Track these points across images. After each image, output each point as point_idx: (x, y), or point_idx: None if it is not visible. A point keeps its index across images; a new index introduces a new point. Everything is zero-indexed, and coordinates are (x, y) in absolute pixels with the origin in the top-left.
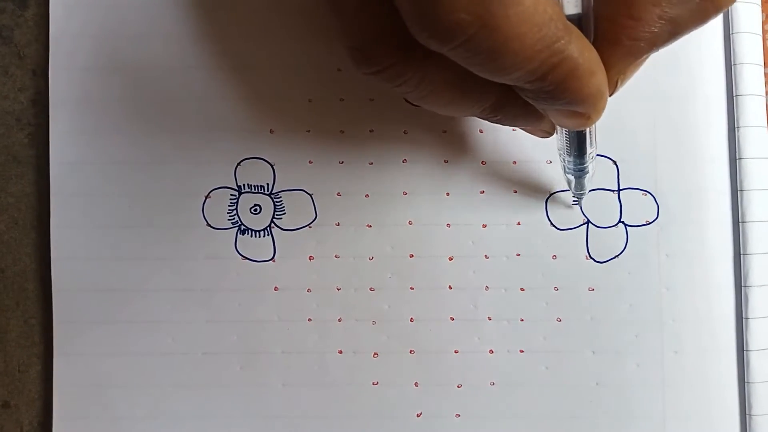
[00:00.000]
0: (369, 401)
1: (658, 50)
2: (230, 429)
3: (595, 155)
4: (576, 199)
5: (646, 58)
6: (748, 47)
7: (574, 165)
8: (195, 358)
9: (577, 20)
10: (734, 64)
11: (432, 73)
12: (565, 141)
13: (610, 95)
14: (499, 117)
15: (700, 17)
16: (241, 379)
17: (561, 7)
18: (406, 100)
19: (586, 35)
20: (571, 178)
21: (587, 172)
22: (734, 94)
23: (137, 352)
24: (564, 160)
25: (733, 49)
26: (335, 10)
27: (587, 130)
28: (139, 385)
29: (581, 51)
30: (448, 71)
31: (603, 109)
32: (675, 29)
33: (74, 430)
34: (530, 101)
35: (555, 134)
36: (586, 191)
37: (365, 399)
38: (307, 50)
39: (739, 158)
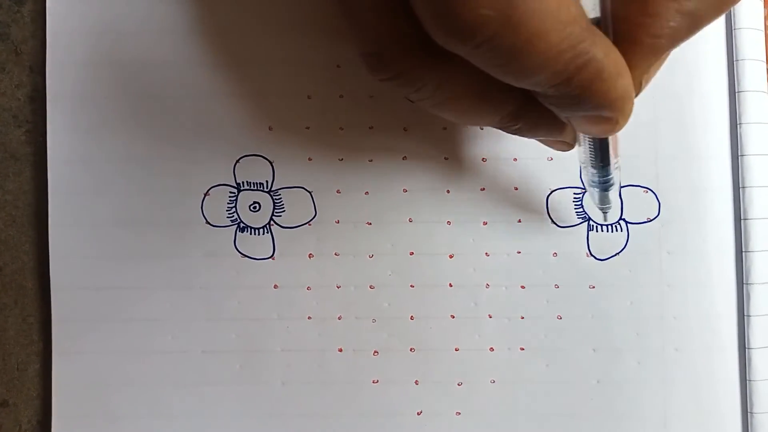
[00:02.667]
0: (369, 399)
1: (678, 45)
2: (230, 427)
3: (619, 165)
4: (603, 215)
5: (667, 56)
6: (750, 43)
7: (599, 177)
8: (194, 357)
9: (596, 24)
10: (736, 60)
11: (450, 77)
12: (588, 152)
13: (635, 96)
14: (519, 125)
15: (718, 8)
16: (240, 377)
17: None
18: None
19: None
20: (595, 191)
21: (612, 184)
22: (736, 91)
23: (136, 351)
24: (588, 173)
25: (735, 45)
26: (348, 16)
27: (610, 138)
28: (139, 383)
29: (606, 52)
30: (467, 76)
31: (630, 112)
32: (694, 22)
33: (73, 429)
34: (554, 109)
35: (576, 146)
36: (612, 204)
37: (365, 397)
38: (306, 46)
39: (741, 155)
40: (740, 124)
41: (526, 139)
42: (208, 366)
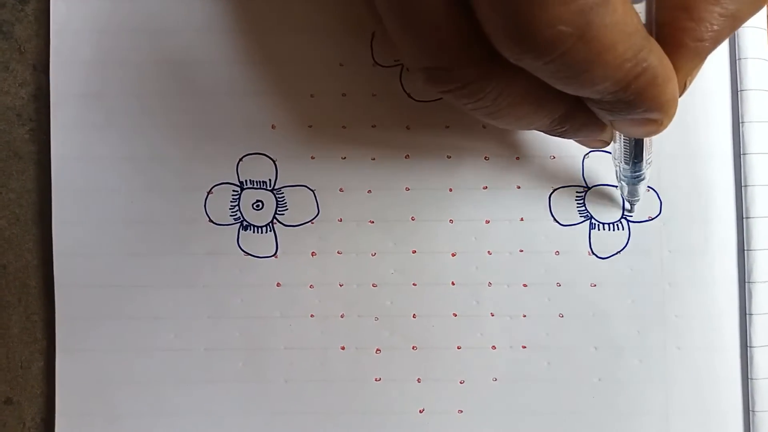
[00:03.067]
0: (371, 397)
1: (719, 45)
2: (232, 425)
3: (651, 161)
4: (629, 206)
5: (707, 56)
6: (753, 42)
7: (631, 172)
8: (197, 354)
9: None
10: (738, 59)
11: (511, 85)
12: (622, 149)
13: (679, 97)
14: (566, 128)
15: (756, 6)
16: (243, 375)
17: None
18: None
19: None
20: (625, 185)
21: (643, 179)
22: (738, 89)
23: (139, 348)
24: (620, 168)
25: (738, 44)
26: (408, 31)
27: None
28: (142, 381)
29: (660, 58)
30: (527, 83)
31: (675, 113)
32: (735, 23)
33: (77, 426)
34: (601, 112)
35: (612, 143)
36: (640, 197)
37: (368, 395)
38: (308, 45)
39: (743, 153)
40: (742, 122)
41: (528, 138)
42: (211, 364)
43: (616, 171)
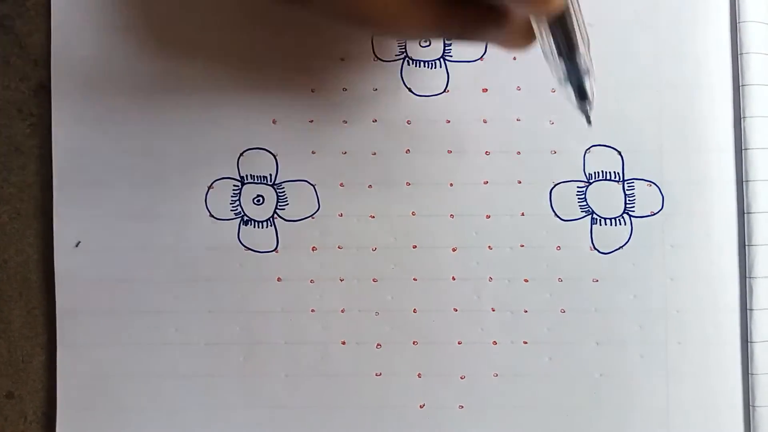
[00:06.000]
0: (372, 392)
1: None
2: (233, 419)
3: (590, 58)
4: (586, 117)
5: None
6: (755, 37)
7: (571, 66)
8: (198, 349)
9: None
10: (740, 54)
11: None
12: (552, 44)
13: None
14: (460, 25)
15: None
16: (243, 369)
17: None
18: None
19: None
20: (573, 87)
21: (587, 72)
22: (740, 84)
23: (140, 342)
24: (560, 67)
25: (740, 39)
26: None
27: (571, 21)
28: (142, 375)
29: None
30: None
31: None
32: None
33: (78, 420)
34: None
35: (539, 40)
36: (592, 101)
37: (368, 390)
38: (309, 40)
39: (745, 149)
40: (744, 117)
41: (529, 133)
42: (211, 358)
43: (559, 77)
